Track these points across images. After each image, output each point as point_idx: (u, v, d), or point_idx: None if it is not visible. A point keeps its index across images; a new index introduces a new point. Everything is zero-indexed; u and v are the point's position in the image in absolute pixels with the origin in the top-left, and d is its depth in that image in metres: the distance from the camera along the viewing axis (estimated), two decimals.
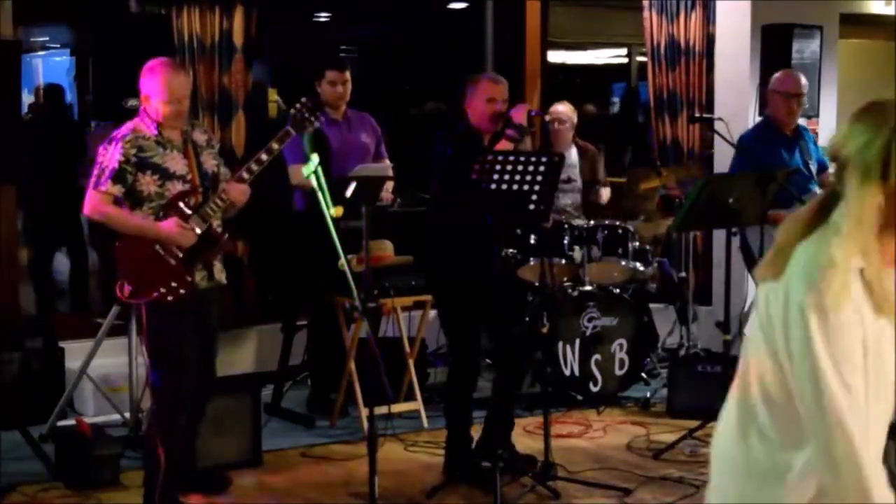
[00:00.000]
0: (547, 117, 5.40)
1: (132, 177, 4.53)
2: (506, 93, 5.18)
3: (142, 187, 4.55)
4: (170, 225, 4.53)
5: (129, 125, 4.63)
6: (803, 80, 6.25)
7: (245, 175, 4.65)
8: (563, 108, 7.10)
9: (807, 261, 2.01)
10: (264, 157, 4.65)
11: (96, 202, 4.55)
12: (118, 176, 4.51)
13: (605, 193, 7.25)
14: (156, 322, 4.55)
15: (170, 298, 4.53)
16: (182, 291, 4.54)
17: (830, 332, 1.95)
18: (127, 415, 5.76)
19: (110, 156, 4.53)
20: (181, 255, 4.57)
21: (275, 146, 4.67)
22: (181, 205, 4.59)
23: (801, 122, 6.51)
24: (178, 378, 4.57)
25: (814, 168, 6.29)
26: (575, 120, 7.14)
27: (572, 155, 7.14)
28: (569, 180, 7.09)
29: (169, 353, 4.57)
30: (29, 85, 9.03)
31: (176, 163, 4.61)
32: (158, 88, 4.55)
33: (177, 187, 4.59)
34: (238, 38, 6.51)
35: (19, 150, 5.25)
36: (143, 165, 4.54)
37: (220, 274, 4.76)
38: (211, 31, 6.44)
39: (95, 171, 4.57)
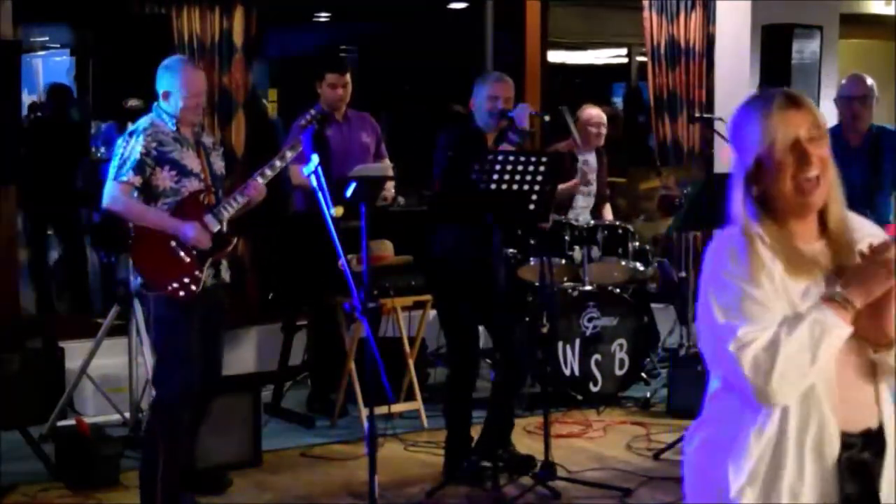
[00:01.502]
0: (547, 118, 5.39)
1: (150, 170, 4.57)
2: (510, 91, 5.18)
3: (157, 182, 4.59)
4: (190, 226, 4.57)
5: (146, 120, 4.68)
6: (868, 82, 5.78)
7: (259, 179, 4.76)
8: (599, 112, 7.09)
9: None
10: (278, 163, 4.78)
11: (117, 192, 4.57)
12: (139, 167, 4.55)
13: (608, 212, 7.31)
14: (164, 316, 4.58)
15: (182, 294, 4.55)
16: (193, 288, 4.58)
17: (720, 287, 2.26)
18: (127, 415, 5.76)
19: (132, 147, 4.58)
20: (195, 253, 4.61)
21: (288, 154, 4.80)
22: (196, 203, 4.64)
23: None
24: (182, 374, 4.58)
25: (887, 179, 5.85)
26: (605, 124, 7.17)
27: (592, 159, 7.15)
28: (587, 183, 7.10)
29: (175, 349, 4.58)
30: (29, 85, 9.02)
31: (192, 160, 4.67)
32: (180, 84, 4.63)
33: (193, 184, 4.64)
34: (238, 38, 6.52)
35: (19, 150, 5.25)
36: (162, 160, 4.58)
37: (225, 273, 4.81)
38: (211, 31, 6.45)
39: (116, 163, 4.60)
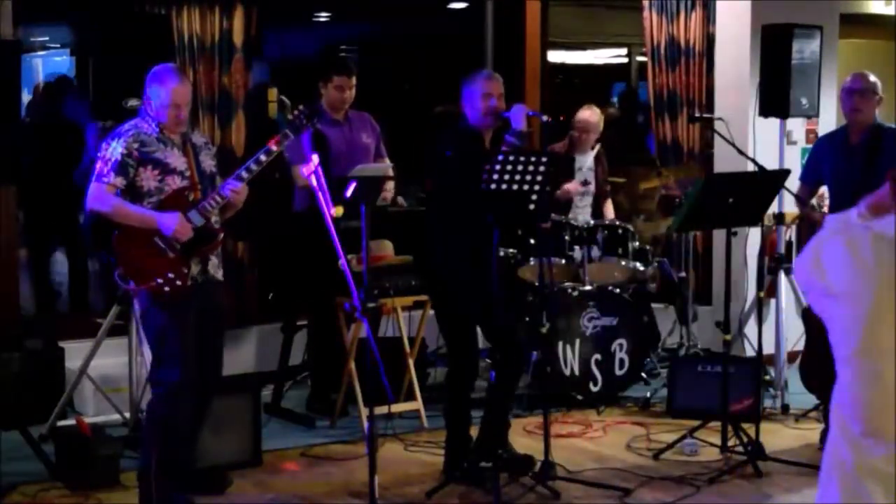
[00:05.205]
0: (545, 118, 5.38)
1: (133, 170, 4.60)
2: (501, 88, 5.18)
3: (142, 182, 4.61)
4: (171, 218, 4.57)
5: (131, 122, 4.71)
6: (870, 78, 5.79)
7: (244, 174, 4.69)
8: (589, 116, 7.09)
9: None
10: (263, 157, 4.71)
11: (100, 193, 4.60)
12: (121, 168, 4.57)
13: (609, 210, 7.30)
14: (153, 313, 4.61)
15: (167, 289, 4.55)
16: (179, 283, 4.57)
17: None
18: (127, 415, 5.76)
19: (113, 149, 4.61)
20: (179, 248, 4.61)
21: (273, 148, 4.73)
22: (181, 199, 4.63)
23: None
24: (178, 372, 4.58)
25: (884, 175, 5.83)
26: (601, 126, 7.15)
27: (589, 159, 7.14)
28: (585, 183, 7.09)
29: (167, 345, 4.59)
30: (29, 85, 9.02)
31: (176, 159, 4.68)
32: (161, 94, 4.63)
33: (176, 182, 4.65)
34: (238, 38, 6.53)
35: (19, 150, 5.25)
36: (145, 160, 4.60)
37: (215, 270, 4.79)
38: (211, 31, 6.45)
39: (99, 165, 4.63)
